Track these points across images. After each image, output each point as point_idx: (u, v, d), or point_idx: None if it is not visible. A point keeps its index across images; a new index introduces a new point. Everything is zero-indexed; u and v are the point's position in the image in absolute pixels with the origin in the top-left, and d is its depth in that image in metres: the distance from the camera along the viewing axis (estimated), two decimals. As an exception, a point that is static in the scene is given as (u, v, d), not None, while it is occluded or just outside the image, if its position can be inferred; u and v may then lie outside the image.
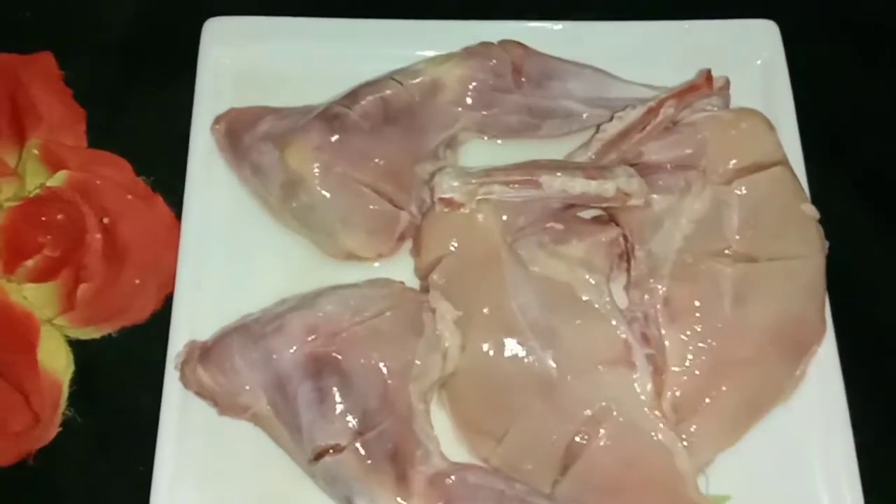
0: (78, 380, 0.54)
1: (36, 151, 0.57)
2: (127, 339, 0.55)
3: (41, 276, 0.54)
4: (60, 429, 0.53)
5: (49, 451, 0.52)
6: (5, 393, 0.52)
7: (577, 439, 0.48)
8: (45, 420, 0.52)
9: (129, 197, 0.56)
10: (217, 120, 0.56)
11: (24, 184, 0.57)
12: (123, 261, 0.55)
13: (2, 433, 0.51)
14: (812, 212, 0.53)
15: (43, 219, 0.54)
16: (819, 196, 0.54)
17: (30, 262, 0.53)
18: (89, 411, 0.54)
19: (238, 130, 0.55)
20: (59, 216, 0.54)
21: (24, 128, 0.58)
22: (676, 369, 0.50)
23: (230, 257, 0.55)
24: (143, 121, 0.61)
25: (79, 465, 0.53)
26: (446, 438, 0.49)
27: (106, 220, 0.55)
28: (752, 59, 0.59)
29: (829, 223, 0.53)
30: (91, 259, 0.54)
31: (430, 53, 0.57)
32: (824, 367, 0.52)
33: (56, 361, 0.53)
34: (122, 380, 0.54)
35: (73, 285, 0.53)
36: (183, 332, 0.52)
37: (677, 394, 0.50)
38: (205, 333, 0.51)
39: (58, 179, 0.56)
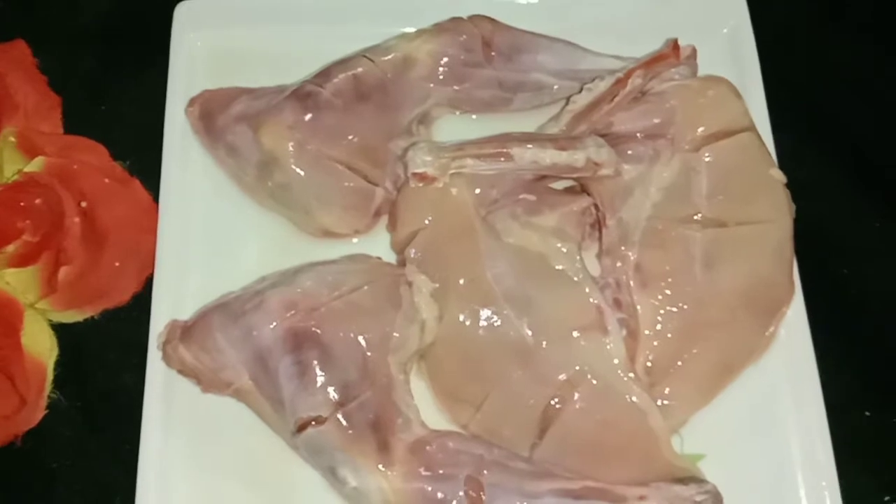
0: (62, 362, 0.55)
1: (13, 139, 0.57)
2: (109, 321, 0.56)
3: (22, 260, 0.54)
4: (47, 411, 0.54)
5: (36, 433, 0.53)
6: None
7: (553, 403, 0.49)
8: (31, 403, 0.52)
9: (107, 181, 0.56)
10: (191, 102, 0.56)
11: (2, 171, 0.57)
12: (103, 244, 0.55)
13: None
14: (779, 176, 0.54)
15: (21, 204, 0.54)
16: (787, 160, 0.55)
17: (10, 248, 0.54)
18: (75, 393, 0.54)
19: (212, 112, 0.56)
20: (38, 201, 0.54)
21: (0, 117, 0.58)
22: (648, 333, 0.51)
23: (208, 238, 0.55)
24: (119, 106, 0.61)
25: (67, 447, 0.53)
26: (426, 407, 0.50)
27: (84, 204, 0.55)
28: (719, 27, 0.60)
29: (797, 187, 0.54)
30: (70, 243, 0.54)
31: (402, 30, 0.57)
32: (794, 327, 0.53)
33: (40, 345, 0.54)
34: (107, 361, 0.55)
35: (53, 269, 0.54)
36: (164, 312, 0.52)
37: (650, 357, 0.51)
38: (186, 313, 0.52)
39: (35, 165, 0.56)
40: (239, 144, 0.54)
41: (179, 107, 0.57)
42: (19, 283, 0.54)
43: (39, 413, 0.53)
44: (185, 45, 0.59)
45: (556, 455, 0.49)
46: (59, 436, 0.53)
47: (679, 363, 0.51)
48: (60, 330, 0.56)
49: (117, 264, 0.55)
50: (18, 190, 0.55)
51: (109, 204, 0.56)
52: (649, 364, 0.51)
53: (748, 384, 0.52)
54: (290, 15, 0.60)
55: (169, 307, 0.53)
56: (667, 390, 0.51)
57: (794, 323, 0.53)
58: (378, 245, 0.54)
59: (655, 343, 0.52)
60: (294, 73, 0.57)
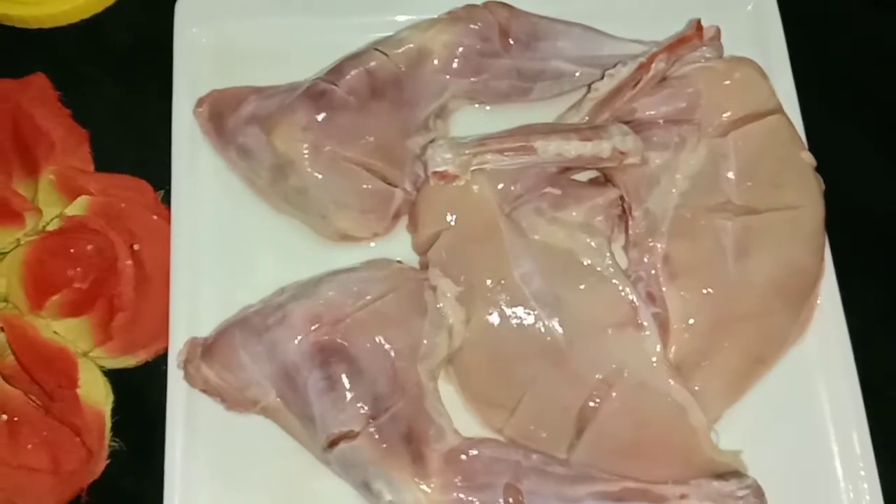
0: (119, 409, 0.52)
1: (52, 177, 0.54)
2: (163, 363, 0.52)
3: (73, 309, 0.51)
4: (108, 461, 0.51)
5: (99, 484, 0.51)
6: (55, 431, 0.50)
7: (590, 403, 0.48)
8: (95, 454, 0.50)
9: (155, 218, 0.54)
10: (199, 103, 0.54)
11: (43, 216, 0.54)
12: (154, 284, 0.52)
13: (56, 472, 0.50)
14: (810, 160, 0.53)
15: (71, 251, 0.52)
16: (817, 141, 0.54)
17: (56, 297, 0.51)
18: (134, 440, 0.52)
19: (222, 113, 0.54)
20: (89, 247, 0.51)
21: (36, 157, 0.55)
22: (678, 327, 0.50)
23: (222, 244, 0.53)
24: (149, 135, 0.57)
25: (131, 496, 0.51)
26: (456, 412, 0.49)
27: (137, 247, 0.52)
28: (743, 4, 0.58)
29: (828, 167, 0.52)
30: (125, 288, 0.51)
31: (412, 18, 0.55)
32: (827, 312, 0.52)
33: (96, 393, 0.51)
34: (163, 406, 0.50)
35: (108, 316, 0.51)
36: (182, 328, 0.51)
37: (680, 352, 0.50)
38: (202, 324, 0.50)
39: (78, 207, 0.53)
40: (251, 147, 0.52)
41: (186, 107, 0.55)
42: (69, 331, 0.52)
43: (102, 464, 0.51)
44: (188, 42, 0.57)
45: (593, 456, 0.48)
46: (122, 485, 0.51)
47: (710, 357, 0.50)
48: (113, 375, 0.53)
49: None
50: (67, 236, 0.52)
51: (158, 242, 0.53)
52: (679, 359, 0.50)
53: (782, 375, 0.51)
54: (296, 6, 0.58)
55: (187, 321, 0.51)
56: (697, 386, 0.49)
57: (827, 308, 0.52)
58: (398, 247, 0.53)
59: (686, 337, 0.50)
60: (303, 67, 0.55)
